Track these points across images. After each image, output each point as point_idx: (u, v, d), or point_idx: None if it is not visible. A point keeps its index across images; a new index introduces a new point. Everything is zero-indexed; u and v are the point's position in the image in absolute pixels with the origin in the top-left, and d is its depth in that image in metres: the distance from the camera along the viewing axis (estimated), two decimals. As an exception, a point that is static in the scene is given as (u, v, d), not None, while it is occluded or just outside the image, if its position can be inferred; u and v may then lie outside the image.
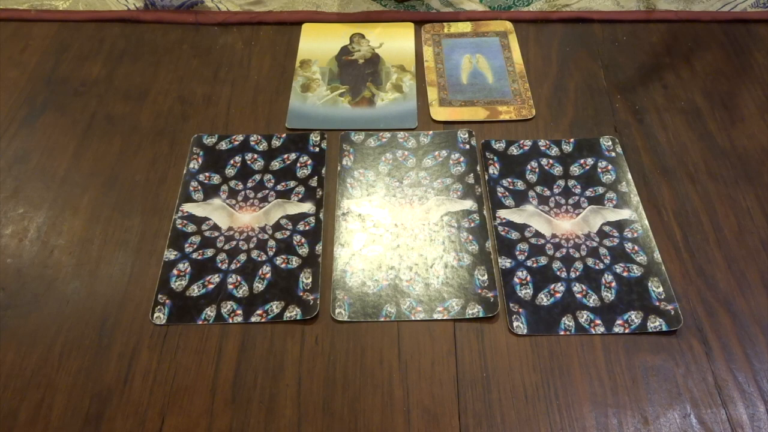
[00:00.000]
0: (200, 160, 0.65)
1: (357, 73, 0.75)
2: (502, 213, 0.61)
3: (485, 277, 0.56)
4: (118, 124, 0.69)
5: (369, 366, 0.51)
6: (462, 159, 0.65)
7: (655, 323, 0.53)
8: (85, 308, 0.55)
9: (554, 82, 0.73)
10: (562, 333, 0.53)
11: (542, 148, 0.66)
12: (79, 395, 0.50)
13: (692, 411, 0.49)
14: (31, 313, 0.55)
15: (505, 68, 0.75)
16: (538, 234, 0.59)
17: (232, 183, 0.64)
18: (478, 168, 0.64)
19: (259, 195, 0.63)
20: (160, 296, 0.55)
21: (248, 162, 0.65)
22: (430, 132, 0.68)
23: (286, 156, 0.66)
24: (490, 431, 0.48)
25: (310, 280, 0.56)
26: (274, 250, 0.58)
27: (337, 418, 0.49)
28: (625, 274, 0.56)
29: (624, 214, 0.61)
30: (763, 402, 0.49)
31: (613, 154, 0.66)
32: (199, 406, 0.49)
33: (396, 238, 0.59)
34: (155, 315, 0.54)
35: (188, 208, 0.62)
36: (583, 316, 0.54)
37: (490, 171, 0.64)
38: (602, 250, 0.58)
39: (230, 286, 0.56)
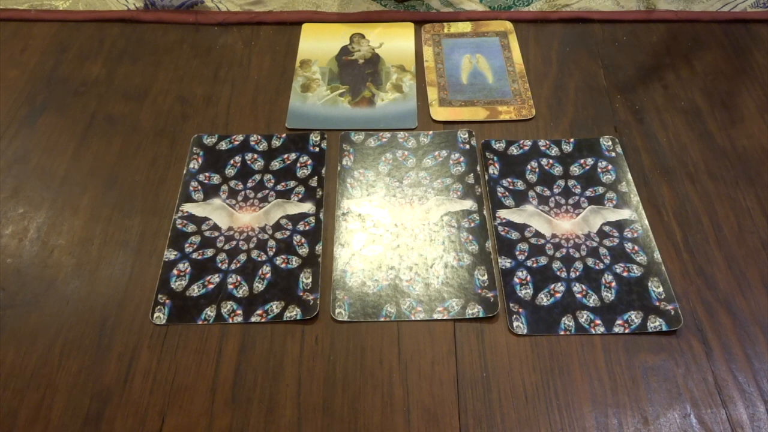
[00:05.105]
0: (200, 160, 0.65)
1: (357, 73, 0.75)
2: (502, 213, 0.61)
3: (485, 277, 0.56)
4: (118, 124, 0.69)
5: (369, 366, 0.51)
6: (462, 159, 0.65)
7: (655, 323, 0.53)
8: (85, 308, 0.55)
9: (554, 82, 0.73)
10: (562, 333, 0.53)
11: (542, 148, 0.66)
12: (79, 395, 0.50)
13: (692, 411, 0.49)
14: (31, 313, 0.55)
15: (505, 68, 0.75)
16: (538, 234, 0.59)
17: (232, 183, 0.64)
18: (478, 168, 0.64)
19: (259, 195, 0.63)
20: (160, 296, 0.55)
21: (248, 162, 0.65)
22: (430, 132, 0.68)
23: (286, 156, 0.66)
24: (490, 431, 0.48)
25: (310, 280, 0.56)
26: (274, 250, 0.58)
27: (337, 418, 0.49)
28: (625, 274, 0.56)
29: (624, 214, 0.61)
30: (763, 402, 0.49)
31: (613, 154, 0.66)
32: (199, 406, 0.49)
33: (396, 238, 0.59)
34: (155, 315, 0.54)
35: (188, 208, 0.62)
36: (583, 316, 0.54)
37: (490, 171, 0.64)
38: (602, 250, 0.58)
39: (230, 286, 0.56)
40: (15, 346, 0.53)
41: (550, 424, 0.48)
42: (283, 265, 0.57)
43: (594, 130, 0.68)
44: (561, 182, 0.63)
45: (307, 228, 0.60)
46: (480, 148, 0.67)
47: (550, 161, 0.65)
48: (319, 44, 0.78)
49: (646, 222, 0.60)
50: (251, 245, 0.59)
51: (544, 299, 0.55)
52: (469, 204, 0.62)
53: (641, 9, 0.80)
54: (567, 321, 0.54)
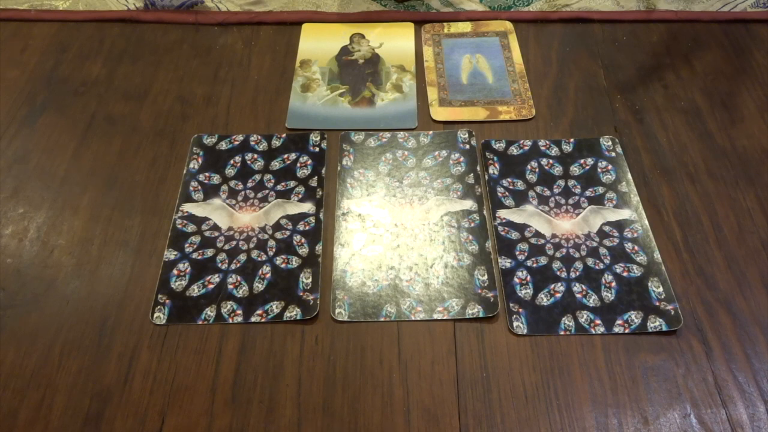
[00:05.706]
0: (200, 160, 0.65)
1: (357, 73, 0.75)
2: (502, 213, 0.61)
3: (485, 277, 0.56)
4: (118, 124, 0.69)
5: (369, 366, 0.51)
6: (462, 159, 0.65)
7: (655, 323, 0.53)
8: (85, 308, 0.55)
9: (554, 82, 0.73)
10: (562, 333, 0.53)
11: (542, 148, 0.66)
12: (79, 395, 0.50)
13: (692, 411, 0.49)
14: (31, 313, 0.55)
15: (505, 68, 0.75)
16: (538, 234, 0.59)
17: (232, 183, 0.64)
18: (478, 168, 0.64)
19: (259, 195, 0.63)
20: (160, 296, 0.55)
21: (248, 162, 0.65)
22: (430, 132, 0.68)
23: (286, 156, 0.66)
24: (490, 431, 0.48)
25: (310, 280, 0.56)
26: (274, 250, 0.58)
27: (337, 418, 0.49)
28: (625, 274, 0.56)
29: (624, 214, 0.61)
30: (763, 402, 0.49)
31: (613, 154, 0.66)
32: (199, 406, 0.49)
33: (396, 238, 0.59)
34: (155, 315, 0.54)
35: (188, 208, 0.62)
36: (583, 316, 0.54)
37: (490, 171, 0.64)
38: (602, 250, 0.58)
39: (230, 286, 0.56)
40: (15, 346, 0.53)
41: (550, 424, 0.48)
42: (283, 265, 0.57)
43: (594, 130, 0.68)
44: (561, 182, 0.63)
45: (307, 228, 0.60)
46: (480, 148, 0.67)
47: (550, 161, 0.65)
48: (319, 44, 0.78)
49: (646, 222, 0.60)
50: (251, 245, 0.59)
51: (544, 299, 0.55)
52: (469, 204, 0.62)
53: (641, 9, 0.80)
54: (567, 321, 0.54)
